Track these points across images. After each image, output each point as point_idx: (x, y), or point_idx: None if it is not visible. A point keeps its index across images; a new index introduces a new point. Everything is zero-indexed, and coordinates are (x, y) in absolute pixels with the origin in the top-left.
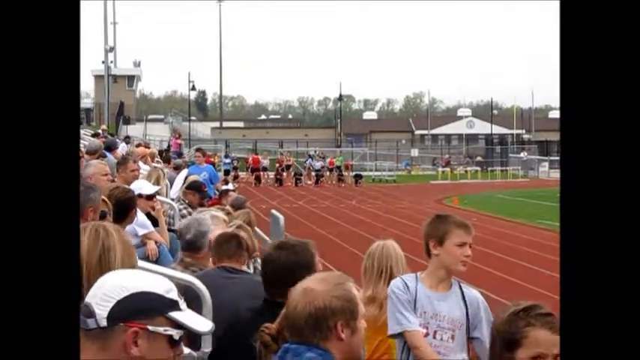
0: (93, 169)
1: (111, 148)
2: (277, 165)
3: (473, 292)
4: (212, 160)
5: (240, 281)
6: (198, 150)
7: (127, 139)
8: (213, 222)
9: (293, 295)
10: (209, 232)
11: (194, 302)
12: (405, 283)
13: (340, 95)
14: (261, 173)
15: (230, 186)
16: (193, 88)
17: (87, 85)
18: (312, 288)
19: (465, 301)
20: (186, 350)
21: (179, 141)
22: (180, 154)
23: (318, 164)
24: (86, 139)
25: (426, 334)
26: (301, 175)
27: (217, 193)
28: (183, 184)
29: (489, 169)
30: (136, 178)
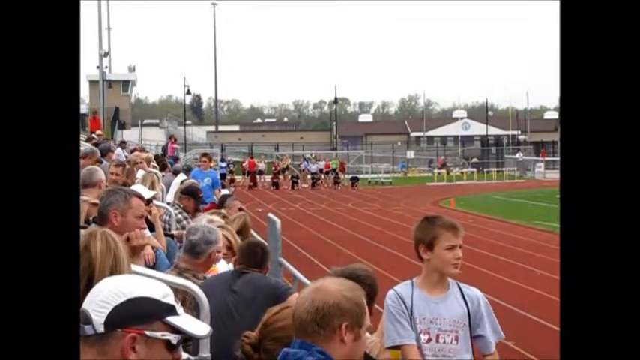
0: (102, 175)
1: (104, 153)
2: (273, 168)
3: (473, 290)
4: (210, 165)
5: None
6: (204, 155)
7: (123, 144)
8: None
9: (304, 292)
10: (214, 244)
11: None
12: (398, 294)
13: (335, 98)
14: (257, 177)
15: (226, 191)
16: (188, 93)
17: (82, 90)
18: (327, 286)
19: (465, 300)
20: (185, 355)
21: (175, 145)
22: (176, 159)
23: (314, 167)
24: (82, 144)
25: (429, 340)
26: (298, 178)
27: (216, 199)
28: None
29: (485, 170)
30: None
